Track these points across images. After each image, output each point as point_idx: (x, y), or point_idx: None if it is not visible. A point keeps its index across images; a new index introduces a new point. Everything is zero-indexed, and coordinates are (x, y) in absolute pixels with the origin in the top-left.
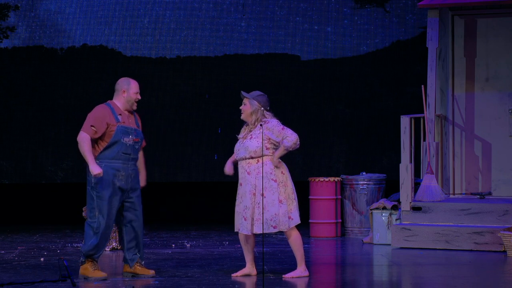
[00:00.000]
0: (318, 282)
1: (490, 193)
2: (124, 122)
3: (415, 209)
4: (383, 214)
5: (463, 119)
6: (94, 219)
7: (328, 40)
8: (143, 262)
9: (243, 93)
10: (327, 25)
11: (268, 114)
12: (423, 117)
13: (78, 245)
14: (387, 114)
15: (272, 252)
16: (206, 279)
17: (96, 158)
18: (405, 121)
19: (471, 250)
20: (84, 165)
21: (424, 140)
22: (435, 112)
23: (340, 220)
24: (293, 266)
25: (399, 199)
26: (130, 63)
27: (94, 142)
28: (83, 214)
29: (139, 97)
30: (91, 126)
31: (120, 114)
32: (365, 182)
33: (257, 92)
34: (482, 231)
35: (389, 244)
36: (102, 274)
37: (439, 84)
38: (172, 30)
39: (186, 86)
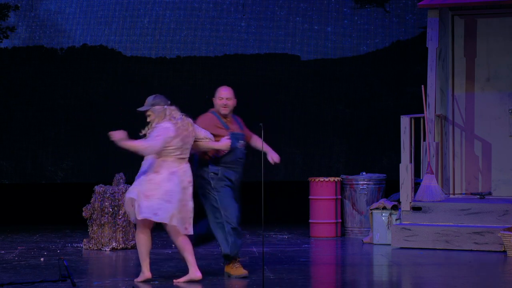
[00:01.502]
0: (318, 282)
1: (490, 193)
2: (231, 129)
3: (415, 209)
4: (383, 214)
5: (463, 119)
6: (221, 219)
7: (328, 40)
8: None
9: (139, 109)
10: (327, 25)
11: (172, 108)
12: (423, 117)
13: (78, 245)
14: (387, 114)
15: (272, 252)
16: (206, 279)
17: (214, 163)
18: (405, 121)
19: (471, 250)
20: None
21: (424, 140)
22: (435, 112)
23: (340, 220)
24: (293, 266)
25: (399, 199)
26: (130, 63)
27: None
28: (83, 214)
29: (225, 102)
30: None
31: (224, 121)
32: (365, 182)
33: (151, 97)
34: (482, 231)
35: (389, 244)
36: (244, 272)
37: (439, 84)
38: (172, 30)
39: (186, 86)
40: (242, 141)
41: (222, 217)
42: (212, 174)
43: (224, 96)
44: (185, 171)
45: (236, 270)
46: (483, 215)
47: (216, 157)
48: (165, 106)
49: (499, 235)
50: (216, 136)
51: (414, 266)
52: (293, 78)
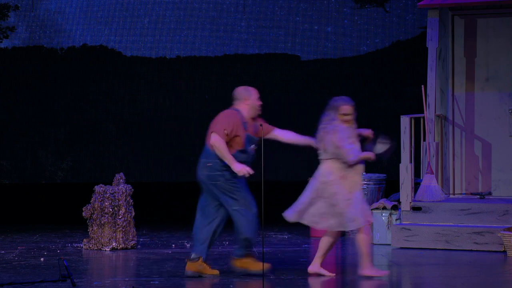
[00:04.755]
0: (318, 282)
1: (490, 193)
2: (248, 131)
3: (415, 209)
4: (383, 214)
5: (463, 119)
6: (239, 207)
7: (328, 40)
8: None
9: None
10: (327, 25)
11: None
12: (423, 117)
13: (78, 245)
14: (387, 114)
15: (272, 252)
16: (206, 279)
17: (222, 163)
18: (405, 121)
19: (471, 250)
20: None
21: (424, 140)
22: (435, 112)
23: None
24: (293, 266)
25: (399, 199)
26: (130, 63)
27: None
28: (83, 214)
29: (261, 102)
30: (224, 130)
31: (246, 122)
32: (365, 182)
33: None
34: (482, 231)
35: (389, 244)
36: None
37: (439, 84)
38: (172, 30)
39: (186, 86)
40: (254, 145)
41: (242, 205)
42: (224, 166)
43: (259, 96)
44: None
45: (254, 264)
46: (483, 215)
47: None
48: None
49: (499, 235)
50: (235, 136)
51: (414, 266)
52: (293, 78)
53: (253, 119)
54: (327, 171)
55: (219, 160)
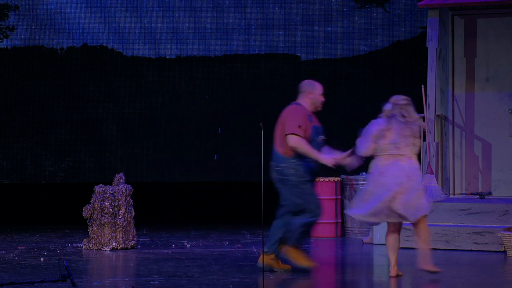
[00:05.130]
0: (318, 282)
1: (490, 193)
2: (314, 122)
3: None
4: None
5: (463, 119)
6: (305, 211)
7: (328, 40)
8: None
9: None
10: (327, 25)
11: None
12: (423, 117)
13: (78, 245)
14: None
15: None
16: (206, 279)
17: (293, 157)
18: None
19: (471, 250)
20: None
21: (424, 140)
22: (435, 112)
23: (340, 220)
24: (293, 266)
25: None
26: (130, 63)
27: (286, 140)
28: (83, 214)
29: (324, 99)
30: (299, 126)
31: (310, 115)
32: (365, 182)
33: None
34: (482, 231)
35: None
36: (309, 263)
37: (439, 84)
38: (172, 30)
39: (186, 86)
40: (322, 136)
41: (305, 210)
42: (292, 170)
43: (322, 92)
44: None
45: (304, 260)
46: (483, 215)
47: (297, 153)
48: None
49: (499, 235)
50: (304, 130)
51: (414, 266)
52: (293, 78)
53: (313, 112)
54: (416, 165)
55: (287, 163)
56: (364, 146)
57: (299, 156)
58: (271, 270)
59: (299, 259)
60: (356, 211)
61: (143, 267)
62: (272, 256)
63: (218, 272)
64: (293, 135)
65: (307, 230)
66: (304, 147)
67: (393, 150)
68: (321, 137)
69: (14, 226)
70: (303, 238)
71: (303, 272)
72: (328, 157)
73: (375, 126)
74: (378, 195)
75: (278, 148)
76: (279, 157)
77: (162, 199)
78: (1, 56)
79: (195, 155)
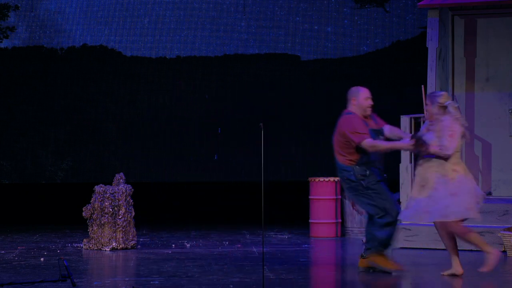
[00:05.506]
0: (318, 282)
1: (490, 193)
2: (370, 125)
3: None
4: None
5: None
6: (381, 214)
7: (328, 40)
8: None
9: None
10: (327, 25)
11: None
12: (423, 117)
13: (78, 245)
14: (387, 114)
15: (272, 252)
16: (206, 279)
17: (357, 164)
18: (405, 121)
19: (471, 250)
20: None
21: None
22: None
23: (340, 220)
24: (293, 266)
25: (399, 199)
26: (130, 63)
27: (346, 149)
28: (83, 214)
29: (371, 103)
30: (362, 132)
31: (364, 120)
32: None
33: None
34: (482, 231)
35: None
36: (394, 266)
37: (439, 84)
38: (172, 30)
39: (186, 86)
40: (381, 137)
41: (380, 211)
42: (360, 176)
43: (370, 96)
44: None
45: (387, 262)
46: (483, 215)
47: (360, 159)
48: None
49: (499, 235)
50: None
51: (414, 266)
52: (293, 78)
53: (365, 117)
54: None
55: (351, 171)
56: (453, 147)
57: (363, 162)
58: (373, 271)
59: (385, 263)
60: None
61: (143, 267)
62: (368, 258)
63: (218, 272)
64: (364, 142)
65: (388, 233)
66: (380, 145)
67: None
68: (381, 138)
69: (14, 226)
70: (386, 241)
71: (387, 274)
72: (407, 142)
73: (458, 126)
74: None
75: (339, 157)
76: (342, 166)
77: (162, 199)
78: (1, 56)
79: (195, 155)
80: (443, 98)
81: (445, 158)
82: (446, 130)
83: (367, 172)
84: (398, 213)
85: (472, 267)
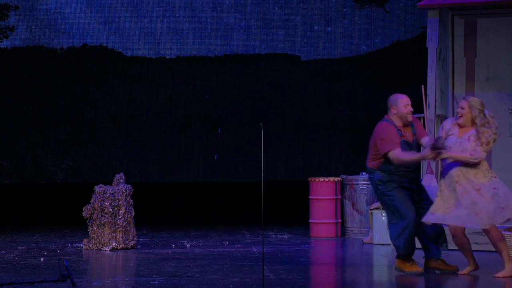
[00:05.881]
0: (318, 282)
1: None
2: (404, 136)
3: None
4: (383, 214)
5: None
6: (395, 220)
7: (328, 40)
8: (441, 257)
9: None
10: (327, 25)
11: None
12: (423, 117)
13: (78, 245)
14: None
15: (272, 252)
16: (206, 279)
17: (378, 169)
18: None
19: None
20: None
21: None
22: (435, 112)
23: (340, 220)
24: (293, 266)
25: None
26: (130, 63)
27: (374, 153)
28: (83, 214)
29: (411, 109)
30: (395, 142)
31: (400, 130)
32: (365, 182)
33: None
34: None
35: (389, 244)
36: (419, 269)
37: (439, 84)
38: (172, 30)
39: (186, 86)
40: (413, 151)
41: (396, 217)
42: (378, 181)
43: (409, 103)
44: None
45: (411, 267)
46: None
47: (382, 164)
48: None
49: None
50: None
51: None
52: (293, 78)
53: (405, 125)
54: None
55: (373, 175)
56: (485, 154)
57: (385, 169)
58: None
59: (409, 267)
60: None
61: (143, 267)
62: (434, 259)
63: (218, 272)
64: (390, 152)
65: (407, 236)
66: (403, 157)
67: None
68: (412, 151)
69: (14, 226)
70: (407, 245)
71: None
72: (427, 152)
73: (494, 135)
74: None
75: (368, 159)
76: (367, 168)
77: (162, 199)
78: (1, 56)
79: (195, 155)
80: (482, 104)
81: (475, 164)
82: (484, 137)
83: (386, 179)
84: (410, 217)
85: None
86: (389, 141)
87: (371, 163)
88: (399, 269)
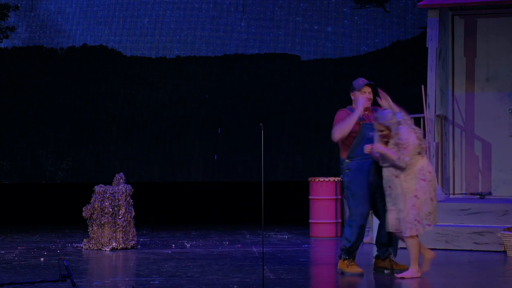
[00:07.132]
0: (318, 282)
1: (490, 193)
2: (366, 120)
3: None
4: None
5: (463, 119)
6: (351, 217)
7: (328, 40)
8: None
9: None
10: (327, 25)
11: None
12: (423, 117)
13: (78, 245)
14: None
15: (272, 252)
16: (206, 279)
17: (348, 157)
18: None
19: (471, 250)
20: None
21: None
22: (435, 112)
23: (340, 220)
24: (293, 266)
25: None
26: (130, 63)
27: (343, 143)
28: (83, 214)
29: (368, 96)
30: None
31: (361, 115)
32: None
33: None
34: (482, 231)
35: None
36: (358, 270)
37: (439, 84)
38: (172, 30)
39: (186, 86)
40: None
41: (351, 214)
42: (346, 170)
43: (367, 90)
44: None
45: (351, 267)
46: (483, 215)
47: (350, 151)
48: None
49: (499, 235)
50: (352, 132)
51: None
52: (293, 78)
53: (367, 109)
54: None
55: (342, 165)
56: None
57: (353, 157)
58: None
59: (349, 268)
60: None
61: (143, 267)
62: (384, 259)
63: (218, 272)
64: (332, 134)
65: (357, 236)
66: (341, 125)
67: None
68: (373, 134)
69: (14, 226)
70: (356, 242)
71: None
72: (359, 109)
73: (415, 138)
74: None
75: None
76: (340, 160)
77: (162, 199)
78: (1, 56)
79: (195, 155)
80: (392, 116)
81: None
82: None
83: (352, 168)
84: (364, 218)
85: (472, 267)
86: (335, 124)
87: (341, 153)
88: (340, 269)
